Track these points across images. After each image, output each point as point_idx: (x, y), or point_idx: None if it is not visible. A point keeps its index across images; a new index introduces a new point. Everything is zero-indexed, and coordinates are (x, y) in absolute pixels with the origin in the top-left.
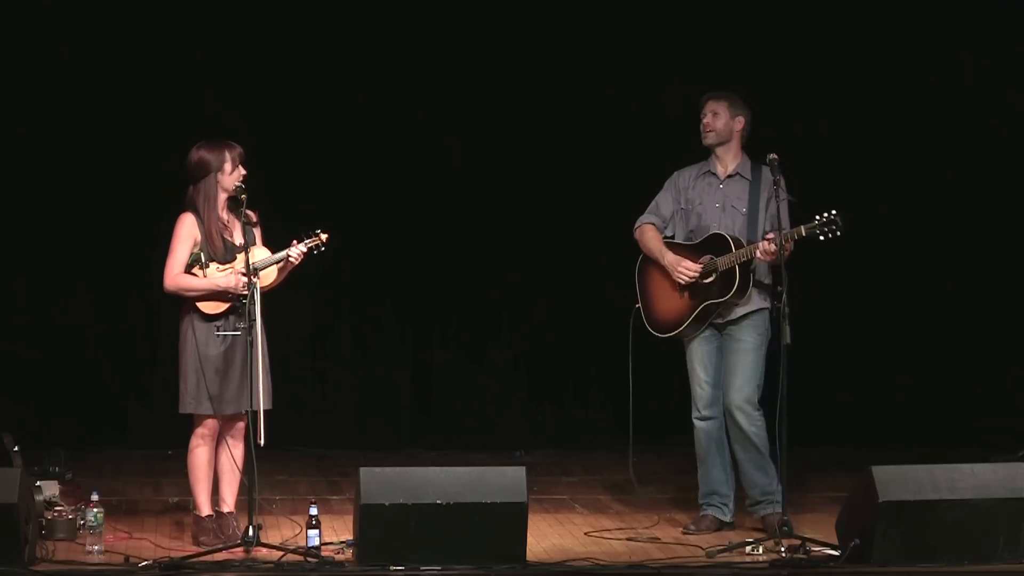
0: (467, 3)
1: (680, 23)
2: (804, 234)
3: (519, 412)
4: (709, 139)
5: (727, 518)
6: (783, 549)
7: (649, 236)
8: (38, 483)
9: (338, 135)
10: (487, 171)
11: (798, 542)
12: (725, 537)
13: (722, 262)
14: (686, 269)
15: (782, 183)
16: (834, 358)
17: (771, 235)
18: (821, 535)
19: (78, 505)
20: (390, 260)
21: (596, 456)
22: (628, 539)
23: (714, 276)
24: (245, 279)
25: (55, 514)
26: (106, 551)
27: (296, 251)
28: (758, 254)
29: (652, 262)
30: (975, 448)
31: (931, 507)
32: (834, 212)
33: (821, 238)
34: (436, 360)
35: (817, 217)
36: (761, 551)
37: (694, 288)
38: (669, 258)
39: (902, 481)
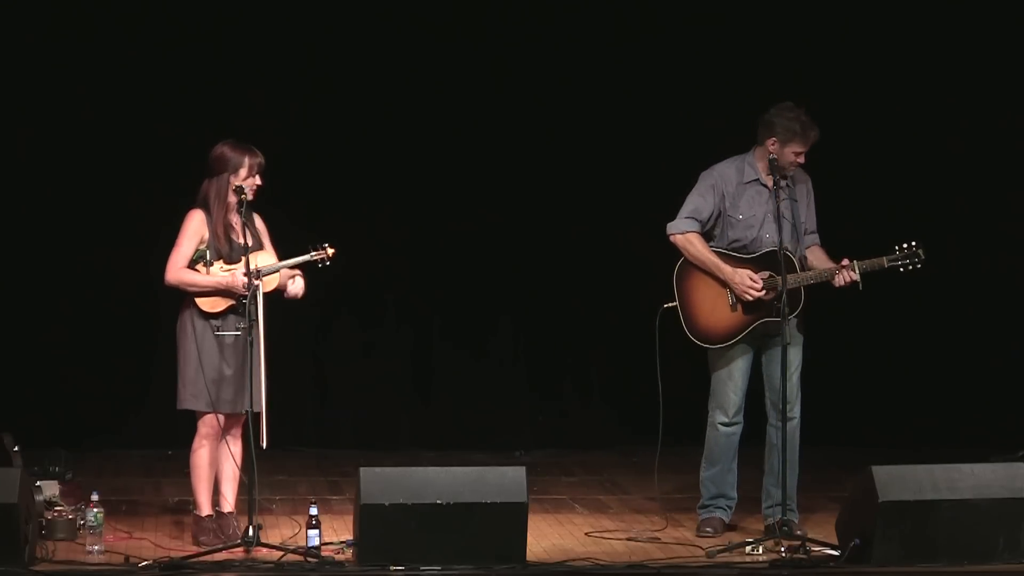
0: (468, 5)
1: (682, 23)
2: (886, 266)
3: (519, 412)
4: (791, 173)
5: (729, 520)
6: (783, 549)
7: (699, 246)
8: (38, 483)
9: (338, 134)
10: (488, 170)
11: (798, 542)
12: (725, 537)
13: (788, 280)
14: (752, 286)
15: (782, 184)
16: (834, 358)
17: (845, 261)
18: (821, 535)
19: (78, 505)
20: (390, 260)
21: (596, 456)
22: (628, 539)
23: (774, 293)
24: (246, 281)
25: (55, 514)
26: (106, 551)
27: (299, 260)
28: (838, 280)
29: (698, 269)
30: (975, 448)
31: (931, 507)
32: (915, 244)
33: (902, 270)
34: (436, 360)
35: (898, 248)
36: (761, 551)
37: (750, 303)
38: (729, 272)
39: (902, 481)
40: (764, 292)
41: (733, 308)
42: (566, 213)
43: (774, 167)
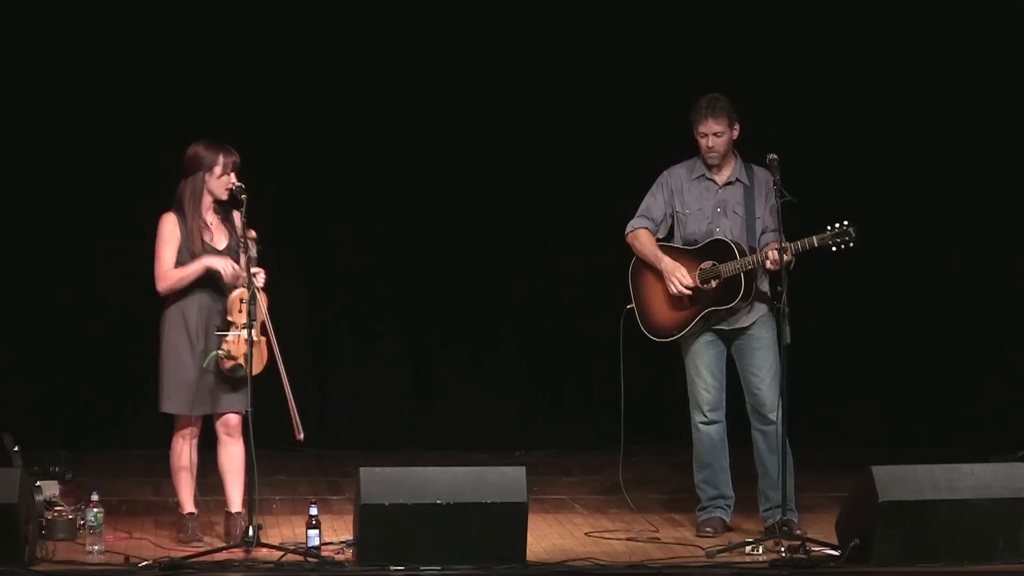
0: (465, 8)
1: (674, 22)
2: (816, 244)
3: (519, 412)
4: (713, 159)
5: (729, 520)
6: (783, 549)
7: (643, 240)
8: (38, 483)
9: (336, 135)
10: (486, 171)
11: (798, 542)
12: (725, 537)
13: (725, 269)
14: (680, 279)
15: (780, 183)
16: (834, 358)
17: (777, 244)
18: (821, 535)
19: (78, 505)
20: (390, 260)
21: (596, 456)
22: (628, 539)
23: (716, 282)
24: (239, 268)
25: (55, 514)
26: (106, 551)
27: (261, 278)
28: (767, 264)
29: (647, 266)
30: (975, 448)
31: (931, 507)
32: (846, 223)
33: (834, 249)
34: (436, 360)
35: (829, 227)
36: (761, 551)
37: (695, 294)
38: (666, 263)
39: (902, 481)
40: (690, 289)
41: (679, 300)
42: (567, 213)
43: (772, 167)
